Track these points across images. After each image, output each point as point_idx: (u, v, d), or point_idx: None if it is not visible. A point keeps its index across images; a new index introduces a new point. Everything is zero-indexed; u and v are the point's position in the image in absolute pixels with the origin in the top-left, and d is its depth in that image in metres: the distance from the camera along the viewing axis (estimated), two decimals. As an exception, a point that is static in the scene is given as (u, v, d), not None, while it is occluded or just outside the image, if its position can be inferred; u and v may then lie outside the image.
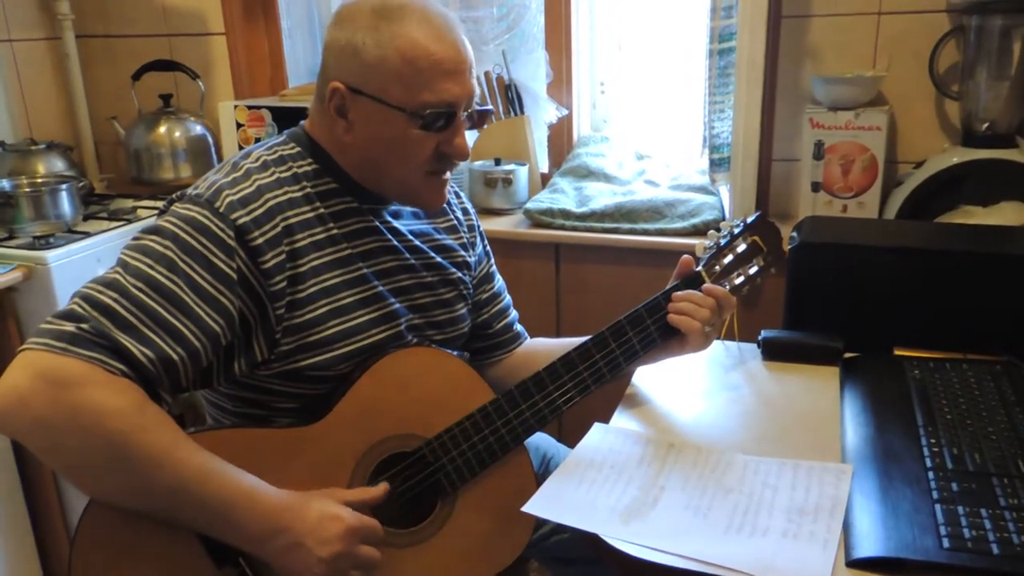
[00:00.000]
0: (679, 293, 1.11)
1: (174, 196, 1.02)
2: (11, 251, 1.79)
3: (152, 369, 0.89)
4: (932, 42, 1.73)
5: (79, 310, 0.88)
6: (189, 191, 1.01)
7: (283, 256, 1.00)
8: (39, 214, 1.85)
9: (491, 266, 1.31)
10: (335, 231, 1.06)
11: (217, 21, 2.34)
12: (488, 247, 1.31)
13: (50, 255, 1.76)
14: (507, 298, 1.33)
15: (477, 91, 1.04)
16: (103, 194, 2.35)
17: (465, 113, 1.03)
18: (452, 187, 1.25)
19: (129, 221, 2.03)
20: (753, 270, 1.19)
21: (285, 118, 2.11)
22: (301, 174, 1.05)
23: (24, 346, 0.87)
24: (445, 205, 1.21)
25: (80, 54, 2.42)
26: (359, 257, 1.08)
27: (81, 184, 2.08)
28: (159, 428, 0.88)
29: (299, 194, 1.04)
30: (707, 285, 1.13)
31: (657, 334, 1.11)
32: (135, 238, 0.96)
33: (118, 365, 0.87)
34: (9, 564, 1.78)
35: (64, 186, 1.90)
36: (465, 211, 1.26)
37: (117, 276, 0.92)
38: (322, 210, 1.05)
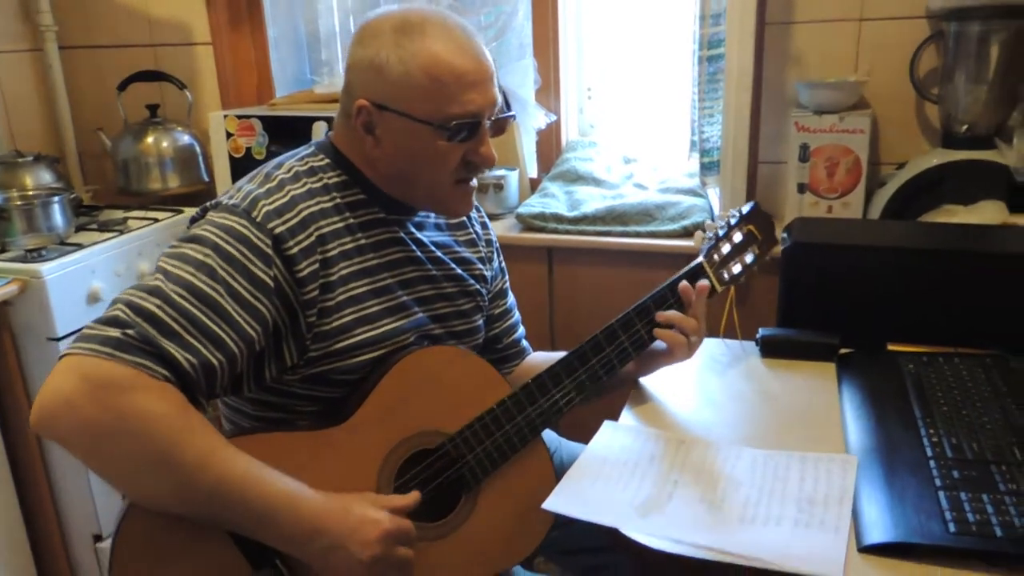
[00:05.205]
0: (664, 313, 1.15)
1: (208, 204, 1.04)
2: (4, 264, 1.78)
3: (194, 375, 0.91)
4: (912, 47, 1.77)
5: (123, 316, 0.89)
6: (223, 200, 1.02)
7: (316, 265, 1.02)
8: (31, 227, 1.84)
9: (505, 282, 1.33)
10: (363, 241, 1.08)
11: (203, 31, 2.34)
12: (503, 264, 1.33)
13: (44, 268, 1.74)
14: (517, 315, 1.36)
15: (500, 98, 1.07)
16: (91, 205, 2.33)
17: (489, 121, 1.06)
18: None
19: (121, 232, 2.02)
20: (749, 258, 1.23)
21: (276, 127, 2.11)
22: (331, 185, 1.07)
23: (68, 351, 0.87)
24: (464, 219, 1.25)
25: (64, 65, 2.41)
26: (385, 267, 1.10)
27: (72, 196, 2.07)
28: (202, 432, 0.89)
29: (329, 204, 1.06)
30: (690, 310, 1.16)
31: (647, 337, 1.15)
32: (173, 246, 0.98)
33: (162, 371, 0.88)
34: (5, 565, 1.77)
35: (56, 198, 1.89)
36: (484, 225, 1.29)
37: (159, 283, 0.93)
38: (351, 220, 1.07)
